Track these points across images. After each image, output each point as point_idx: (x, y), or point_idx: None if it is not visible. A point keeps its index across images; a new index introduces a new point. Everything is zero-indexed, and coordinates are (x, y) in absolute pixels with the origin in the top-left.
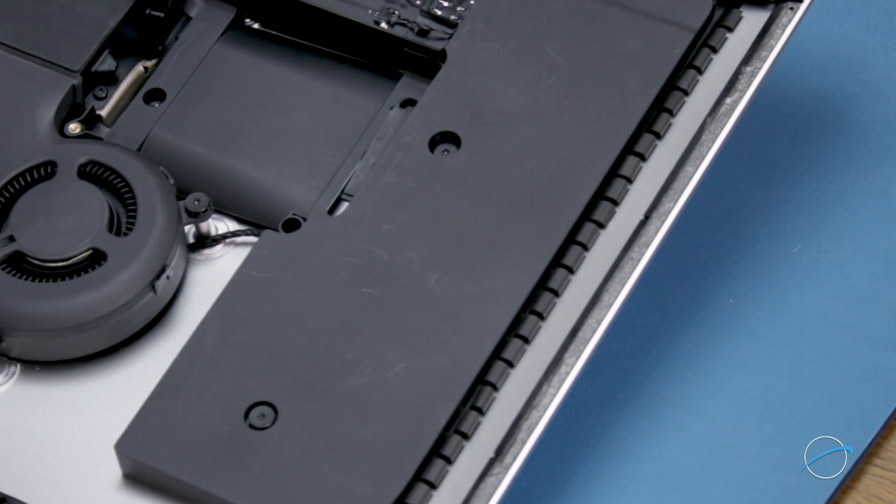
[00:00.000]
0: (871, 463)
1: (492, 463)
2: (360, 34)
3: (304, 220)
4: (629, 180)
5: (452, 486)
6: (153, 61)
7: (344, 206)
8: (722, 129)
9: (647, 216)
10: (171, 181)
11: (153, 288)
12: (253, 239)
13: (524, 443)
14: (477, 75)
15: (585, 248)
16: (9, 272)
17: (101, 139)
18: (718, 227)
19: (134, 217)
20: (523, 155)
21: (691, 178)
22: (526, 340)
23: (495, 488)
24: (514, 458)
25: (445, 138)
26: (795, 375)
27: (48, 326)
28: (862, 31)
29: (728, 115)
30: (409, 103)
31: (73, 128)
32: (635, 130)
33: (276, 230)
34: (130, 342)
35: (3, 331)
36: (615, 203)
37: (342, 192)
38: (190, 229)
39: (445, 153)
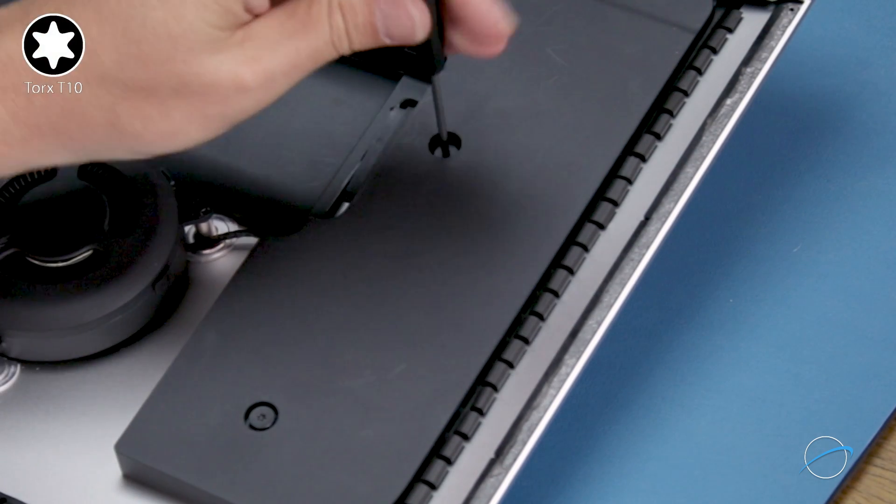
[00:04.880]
0: (871, 463)
1: (492, 464)
2: None
3: (305, 220)
4: (629, 181)
5: (453, 487)
6: None
7: (344, 206)
8: (722, 129)
9: (648, 217)
10: (171, 181)
11: (153, 288)
12: (253, 239)
13: (524, 443)
14: (477, 75)
15: (586, 248)
16: (9, 272)
17: None
18: (718, 227)
19: (134, 217)
20: (523, 155)
21: (691, 178)
22: (526, 341)
23: (495, 489)
24: (515, 459)
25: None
26: (795, 375)
27: (48, 327)
28: (862, 31)
29: (728, 115)
30: (409, 104)
31: None
32: (635, 131)
33: (276, 231)
34: (130, 342)
35: (3, 331)
36: (615, 204)
37: (342, 192)
38: (190, 229)
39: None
